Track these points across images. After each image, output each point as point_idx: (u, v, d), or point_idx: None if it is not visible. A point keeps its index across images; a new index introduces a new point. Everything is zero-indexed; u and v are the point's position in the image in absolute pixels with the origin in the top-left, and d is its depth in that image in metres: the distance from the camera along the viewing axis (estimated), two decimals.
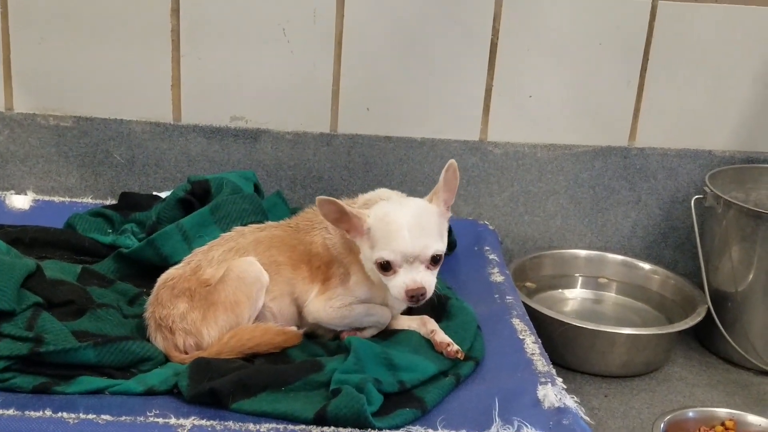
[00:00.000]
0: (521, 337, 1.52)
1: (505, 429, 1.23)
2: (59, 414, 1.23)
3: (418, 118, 2.16)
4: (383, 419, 1.24)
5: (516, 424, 1.23)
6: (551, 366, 1.43)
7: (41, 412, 1.23)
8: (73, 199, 2.11)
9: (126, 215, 1.94)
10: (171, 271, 1.53)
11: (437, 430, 1.23)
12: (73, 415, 1.22)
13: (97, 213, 1.94)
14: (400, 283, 1.39)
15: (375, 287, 1.50)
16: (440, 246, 1.42)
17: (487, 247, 1.94)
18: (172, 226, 1.74)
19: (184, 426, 1.22)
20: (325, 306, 1.48)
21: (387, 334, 1.50)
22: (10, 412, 1.23)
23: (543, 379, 1.37)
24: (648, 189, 2.24)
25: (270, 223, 1.62)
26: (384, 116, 2.16)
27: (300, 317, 1.52)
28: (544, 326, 1.84)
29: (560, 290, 2.21)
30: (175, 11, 2.08)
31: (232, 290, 1.45)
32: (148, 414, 1.24)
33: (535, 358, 1.45)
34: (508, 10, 2.10)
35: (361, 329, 1.50)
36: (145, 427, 1.21)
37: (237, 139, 2.15)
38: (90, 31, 2.09)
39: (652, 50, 2.16)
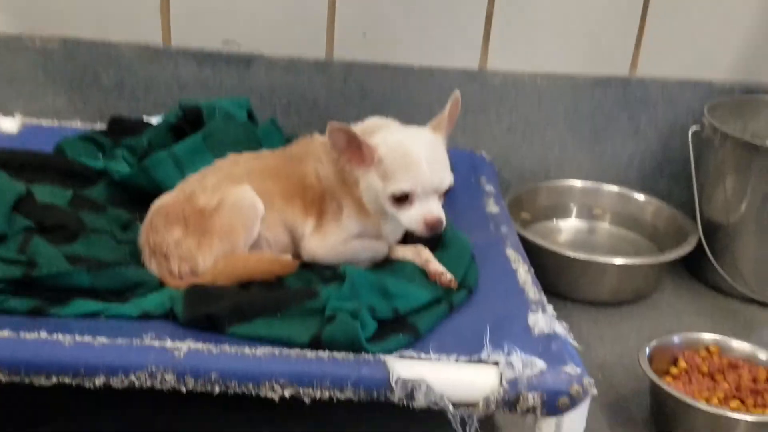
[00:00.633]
0: (514, 266, 1.53)
1: (495, 354, 1.25)
2: (54, 336, 1.23)
3: (417, 45, 2.12)
4: (377, 344, 1.26)
5: (506, 349, 1.25)
6: (542, 294, 1.44)
7: (36, 334, 1.23)
8: (62, 123, 2.08)
9: (116, 140, 1.91)
10: (165, 198, 1.52)
11: (429, 354, 1.25)
12: (68, 337, 1.23)
13: (87, 137, 1.91)
14: (417, 215, 1.39)
15: (368, 220, 1.49)
16: (452, 178, 1.43)
17: (483, 178, 1.93)
18: (164, 153, 1.72)
19: (180, 349, 1.23)
20: (321, 244, 1.48)
21: (382, 263, 1.51)
22: (5, 333, 1.23)
23: (534, 307, 1.39)
24: (647, 119, 2.22)
25: (264, 151, 1.60)
26: (381, 42, 2.11)
27: (295, 246, 1.52)
28: (538, 255, 1.86)
29: (555, 220, 2.22)
30: None
31: (227, 218, 1.44)
32: (144, 337, 1.25)
33: (527, 286, 1.46)
34: None
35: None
36: (141, 350, 1.22)
37: (229, 64, 2.11)
38: None
39: None
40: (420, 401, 1.20)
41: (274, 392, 1.21)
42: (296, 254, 1.52)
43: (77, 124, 2.08)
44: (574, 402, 1.22)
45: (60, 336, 1.23)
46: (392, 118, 1.57)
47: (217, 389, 1.22)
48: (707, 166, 2.06)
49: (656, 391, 1.57)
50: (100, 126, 2.04)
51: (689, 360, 1.66)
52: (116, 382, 1.21)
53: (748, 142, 1.95)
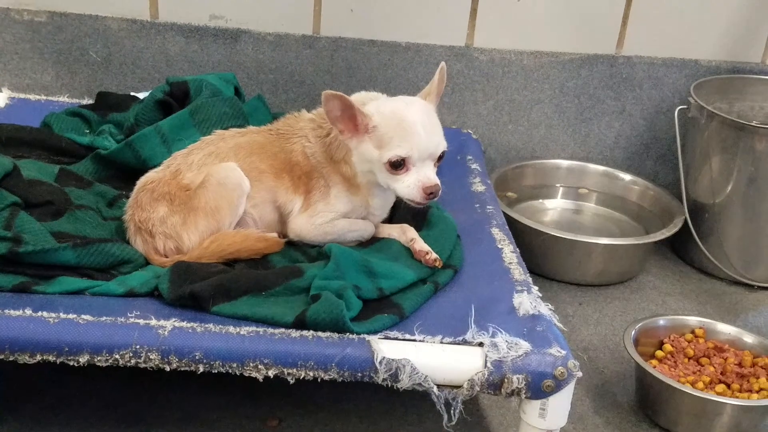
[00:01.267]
0: (500, 246, 1.54)
1: (480, 335, 1.25)
2: (39, 313, 1.23)
3: (404, 21, 2.10)
4: (361, 324, 1.26)
5: (491, 330, 1.26)
6: (528, 275, 1.45)
7: (21, 311, 1.24)
8: (49, 98, 2.06)
9: (103, 115, 1.90)
10: (150, 174, 1.52)
11: (414, 335, 1.26)
12: (53, 315, 1.23)
13: (74, 113, 1.90)
14: (414, 181, 1.39)
15: (356, 198, 1.49)
16: (446, 143, 1.43)
17: (469, 157, 1.93)
18: (150, 129, 1.71)
19: (165, 327, 1.23)
20: (307, 223, 1.48)
21: (367, 242, 1.51)
22: None
23: (519, 288, 1.39)
24: (633, 99, 2.22)
25: (251, 128, 1.60)
26: (368, 18, 2.10)
27: (281, 224, 1.52)
28: (524, 236, 1.86)
29: (541, 200, 2.23)
30: None
31: (212, 196, 1.44)
32: (129, 315, 1.25)
33: (512, 267, 1.46)
34: None
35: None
36: (125, 328, 1.23)
37: (216, 39, 2.09)
38: None
39: None
40: (404, 382, 1.21)
41: (258, 372, 1.22)
42: (282, 232, 1.52)
43: (64, 99, 2.06)
44: (559, 384, 1.22)
45: (45, 313, 1.23)
46: (379, 93, 1.56)
47: (201, 369, 1.22)
48: (693, 145, 2.06)
49: (642, 375, 1.58)
50: (88, 101, 2.02)
51: (675, 343, 1.66)
52: (100, 361, 1.21)
53: (735, 120, 1.95)
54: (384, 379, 1.21)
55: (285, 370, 1.21)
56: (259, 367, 1.21)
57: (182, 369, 1.22)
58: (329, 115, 1.41)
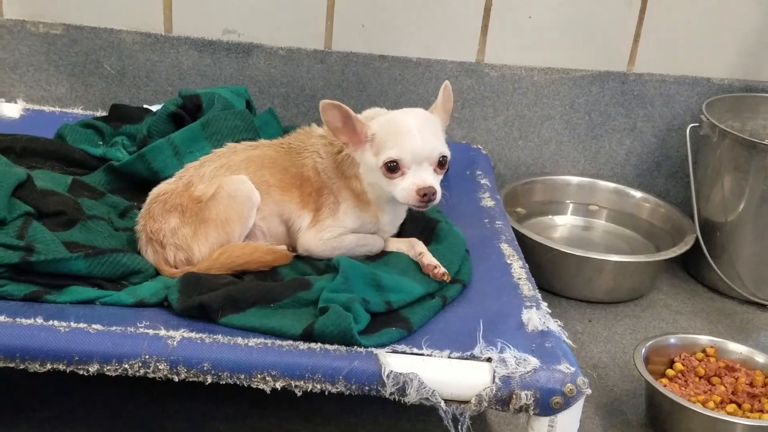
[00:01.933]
0: (509, 261, 1.53)
1: (488, 350, 1.25)
2: (50, 322, 1.24)
3: (415, 37, 2.12)
4: (369, 338, 1.26)
5: (499, 345, 1.25)
6: (537, 291, 1.44)
7: (32, 320, 1.24)
8: (64, 110, 2.09)
9: (116, 127, 1.92)
10: (163, 186, 1.53)
11: (422, 349, 1.25)
12: (64, 324, 1.24)
13: (88, 124, 1.92)
14: (409, 184, 1.39)
15: (365, 214, 1.50)
16: (446, 149, 1.42)
17: (479, 172, 1.93)
18: (162, 141, 1.72)
19: (174, 338, 1.23)
20: (316, 238, 1.48)
21: (376, 256, 1.51)
22: (2, 318, 1.24)
23: (528, 303, 1.39)
24: (644, 116, 2.22)
25: (263, 141, 1.60)
26: (379, 34, 2.11)
27: (290, 237, 1.52)
28: (533, 252, 1.86)
29: (550, 216, 2.22)
30: None
31: (223, 208, 1.45)
32: (139, 325, 1.26)
33: (521, 282, 1.46)
34: None
35: None
36: (135, 338, 1.23)
37: (229, 53, 2.11)
38: None
39: None
40: (412, 396, 1.20)
41: (265, 384, 1.22)
42: (291, 245, 1.52)
43: (78, 111, 2.09)
44: (567, 401, 1.21)
45: (56, 322, 1.24)
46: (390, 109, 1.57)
47: (209, 379, 1.22)
48: (705, 164, 2.06)
49: (652, 393, 1.56)
50: (101, 113, 2.04)
51: (686, 362, 1.65)
52: (110, 370, 1.22)
53: (747, 139, 1.95)
54: (391, 393, 1.21)
55: (292, 382, 1.21)
56: (267, 378, 1.21)
57: (190, 379, 1.23)
58: (330, 126, 1.42)
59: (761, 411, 1.55)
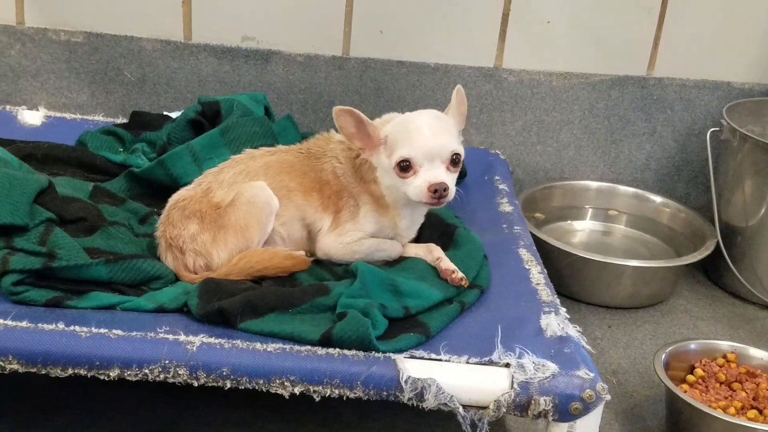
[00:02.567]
0: (527, 266, 1.53)
1: (506, 356, 1.25)
2: (71, 327, 1.25)
3: (433, 43, 2.12)
4: (387, 343, 1.26)
5: (518, 351, 1.25)
6: (556, 296, 1.44)
7: (54, 325, 1.25)
8: (85, 117, 2.11)
9: (137, 134, 1.94)
10: (182, 192, 1.54)
11: (440, 355, 1.25)
12: (85, 329, 1.25)
13: (108, 131, 1.94)
14: (421, 181, 1.39)
15: (384, 218, 1.50)
16: (459, 147, 1.42)
17: (497, 177, 1.93)
18: (182, 147, 1.74)
19: (193, 343, 1.24)
20: (335, 243, 1.49)
21: (394, 261, 1.51)
22: (24, 324, 1.25)
23: (547, 309, 1.39)
24: (664, 120, 2.21)
25: (281, 147, 1.61)
26: (397, 40, 2.12)
27: (309, 242, 1.53)
28: (552, 257, 1.85)
29: (569, 221, 2.21)
30: None
31: (242, 214, 1.46)
32: (159, 330, 1.26)
33: (540, 287, 1.46)
34: None
35: None
36: (155, 343, 1.24)
37: (248, 60, 2.12)
38: None
39: None
40: (430, 402, 1.20)
41: (284, 389, 1.22)
42: (310, 251, 1.53)
43: (99, 118, 2.11)
44: (586, 407, 1.21)
45: (77, 328, 1.25)
46: None
47: (228, 384, 1.23)
48: (726, 168, 2.04)
49: (672, 399, 1.55)
50: (122, 120, 2.06)
51: (706, 368, 1.63)
52: (130, 375, 1.23)
53: None
54: (409, 399, 1.21)
55: (311, 387, 1.22)
56: (285, 384, 1.22)
57: (210, 384, 1.23)
58: (344, 132, 1.43)
59: None
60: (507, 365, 1.23)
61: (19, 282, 1.33)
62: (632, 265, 1.94)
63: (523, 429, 1.54)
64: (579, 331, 1.34)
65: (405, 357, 1.24)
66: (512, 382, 1.21)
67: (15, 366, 1.22)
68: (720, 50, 2.17)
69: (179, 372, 1.22)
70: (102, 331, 1.25)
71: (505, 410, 1.21)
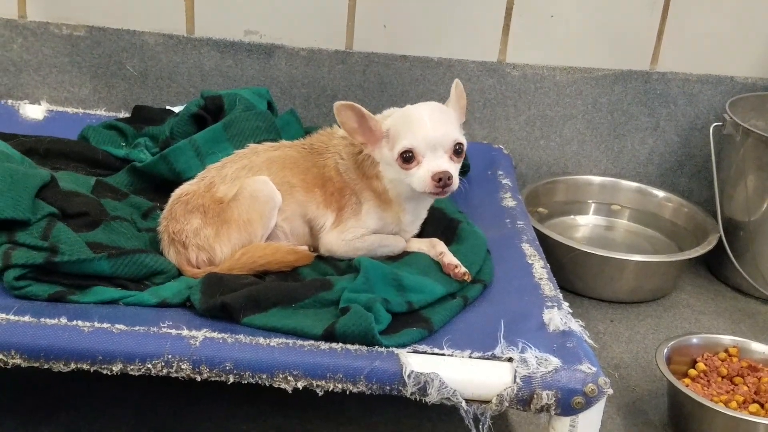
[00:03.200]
0: (530, 261, 1.53)
1: (509, 350, 1.25)
2: (74, 322, 1.25)
3: (436, 37, 2.12)
4: (390, 337, 1.26)
5: (520, 345, 1.25)
6: (558, 290, 1.44)
7: (56, 320, 1.25)
8: (87, 111, 2.11)
9: (139, 129, 1.94)
10: (185, 187, 1.54)
11: (443, 349, 1.25)
12: (87, 324, 1.25)
13: (111, 125, 1.94)
14: (424, 171, 1.39)
15: (387, 214, 1.50)
16: (461, 136, 1.42)
17: (500, 172, 1.93)
18: (185, 142, 1.73)
19: (196, 337, 1.24)
20: (338, 239, 1.49)
21: (397, 256, 1.51)
22: (26, 318, 1.25)
23: (549, 303, 1.39)
24: (667, 115, 2.20)
25: (284, 142, 1.61)
26: (401, 34, 2.11)
27: (312, 237, 1.53)
28: (555, 252, 1.85)
29: (572, 216, 2.21)
30: None
31: (245, 209, 1.46)
32: (161, 325, 1.26)
33: (542, 282, 1.46)
34: None
35: None
36: (158, 338, 1.24)
37: (251, 54, 2.12)
38: None
39: None
40: (433, 396, 1.21)
41: (287, 383, 1.22)
42: (313, 245, 1.53)
43: (101, 112, 2.11)
44: (589, 401, 1.21)
45: (80, 322, 1.25)
46: None
47: (231, 379, 1.23)
48: (728, 163, 2.04)
49: (674, 393, 1.55)
50: (124, 114, 2.06)
51: (708, 362, 1.64)
52: (133, 370, 1.23)
53: None
54: (412, 393, 1.21)
55: (314, 381, 1.22)
56: (289, 378, 1.22)
57: (213, 379, 1.23)
58: (346, 127, 1.43)
59: None
60: (510, 360, 1.24)
61: (22, 277, 1.33)
62: (635, 260, 1.93)
63: (525, 423, 1.54)
64: (581, 326, 1.34)
65: (408, 351, 1.24)
66: (515, 376, 1.21)
67: (18, 361, 1.22)
68: (723, 45, 2.16)
69: (182, 367, 1.22)
70: (105, 325, 1.25)
71: (507, 404, 1.21)
